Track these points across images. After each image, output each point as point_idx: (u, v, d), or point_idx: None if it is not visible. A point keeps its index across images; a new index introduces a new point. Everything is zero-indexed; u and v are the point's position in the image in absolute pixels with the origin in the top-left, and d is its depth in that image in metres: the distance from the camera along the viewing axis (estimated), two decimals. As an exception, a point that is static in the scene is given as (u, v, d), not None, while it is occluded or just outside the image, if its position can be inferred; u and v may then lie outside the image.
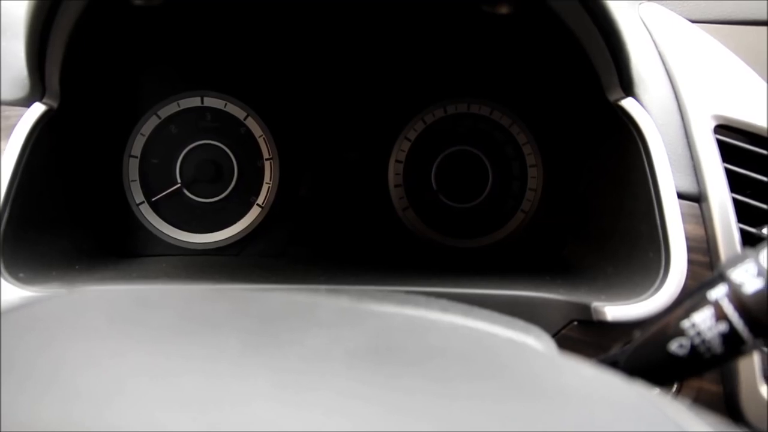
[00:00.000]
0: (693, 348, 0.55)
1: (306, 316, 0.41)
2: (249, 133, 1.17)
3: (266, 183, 1.17)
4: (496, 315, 0.67)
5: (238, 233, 1.16)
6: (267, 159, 1.17)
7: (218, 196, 1.17)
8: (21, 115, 0.88)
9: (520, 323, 0.66)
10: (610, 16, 0.77)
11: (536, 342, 0.59)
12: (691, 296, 0.56)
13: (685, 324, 0.55)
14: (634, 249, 0.90)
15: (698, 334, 0.54)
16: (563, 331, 0.85)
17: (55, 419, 0.27)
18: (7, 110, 0.91)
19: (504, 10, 0.84)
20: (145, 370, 0.31)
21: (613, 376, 0.40)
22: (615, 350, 0.85)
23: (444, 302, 0.68)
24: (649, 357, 0.60)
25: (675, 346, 0.56)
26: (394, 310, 0.52)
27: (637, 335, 0.61)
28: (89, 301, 0.40)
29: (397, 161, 1.19)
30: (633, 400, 0.38)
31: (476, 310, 0.67)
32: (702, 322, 0.54)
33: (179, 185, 1.16)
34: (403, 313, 0.51)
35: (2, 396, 0.28)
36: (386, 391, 0.32)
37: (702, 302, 0.54)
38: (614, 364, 0.63)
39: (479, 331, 0.54)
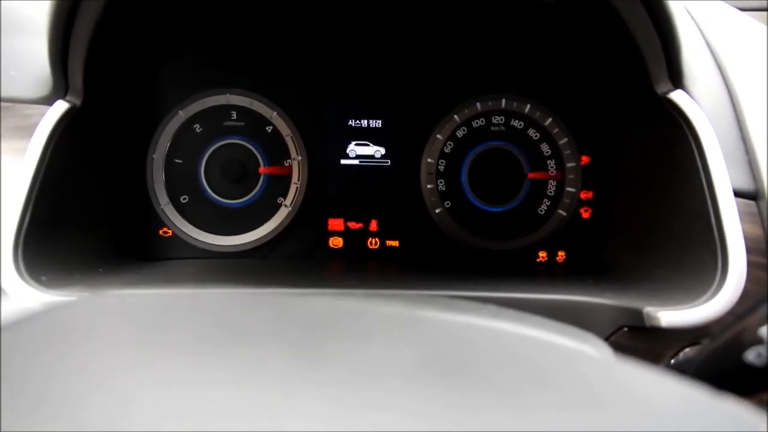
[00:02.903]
0: (773, 357, 0.50)
1: (353, 324, 0.37)
2: (276, 132, 1.13)
3: (294, 183, 1.13)
4: (547, 321, 0.63)
5: (265, 235, 1.12)
6: (295, 158, 1.13)
7: (245, 197, 1.13)
8: (43, 114, 0.85)
9: (575, 330, 0.62)
10: (665, 4, 0.72)
11: (597, 351, 0.54)
12: (769, 301, 0.51)
13: (764, 331, 0.51)
14: (685, 250, 0.85)
15: (779, 342, 0.49)
16: (612, 338, 0.81)
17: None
18: (29, 108, 0.89)
19: (549, -3, 0.80)
20: (177, 384, 0.28)
21: (699, 391, 0.36)
22: (677, 359, 0.81)
23: (493, 308, 0.64)
24: (722, 366, 0.55)
25: (752, 356, 0.51)
26: (443, 317, 0.48)
27: (707, 342, 0.57)
28: (116, 307, 0.37)
29: (429, 160, 1.14)
30: (726, 418, 0.33)
31: (526, 316, 0.63)
32: (784, 329, 0.49)
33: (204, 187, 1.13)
34: (454, 320, 0.47)
35: (12, 409, 0.25)
36: (454, 408, 0.28)
37: (783, 307, 0.49)
38: (682, 372, 0.59)
39: (538, 339, 0.50)
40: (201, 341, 0.33)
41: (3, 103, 0.89)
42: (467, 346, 0.37)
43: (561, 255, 1.15)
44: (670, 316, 0.75)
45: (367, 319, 0.37)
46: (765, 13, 1.04)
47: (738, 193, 0.81)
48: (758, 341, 0.51)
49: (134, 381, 0.28)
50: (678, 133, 0.85)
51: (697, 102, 0.84)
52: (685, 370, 0.58)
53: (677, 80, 0.85)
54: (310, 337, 0.34)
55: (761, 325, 0.51)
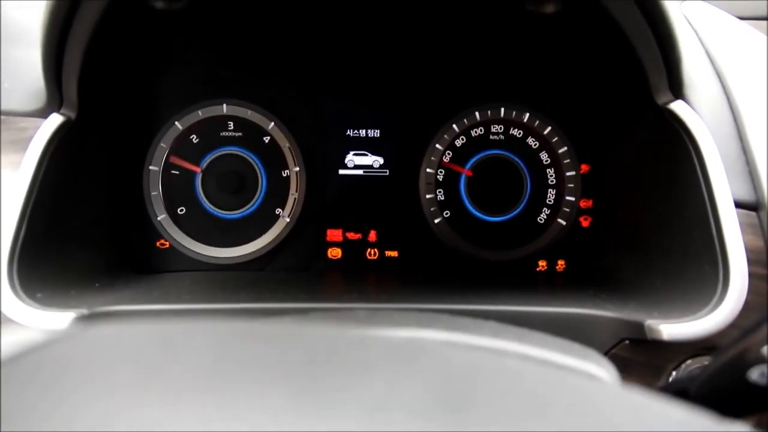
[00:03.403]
0: (778, 377, 0.49)
1: (355, 356, 0.36)
2: (274, 143, 1.12)
3: (292, 195, 1.12)
4: (550, 338, 0.62)
5: (263, 247, 1.12)
6: (293, 169, 1.12)
7: (242, 208, 1.13)
8: (38, 127, 0.85)
9: (578, 348, 0.61)
10: (665, 15, 0.72)
11: (602, 372, 0.54)
12: (773, 318, 0.51)
13: (766, 350, 0.50)
14: (686, 261, 0.84)
15: (785, 361, 0.49)
16: (613, 350, 0.80)
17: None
18: (24, 122, 0.88)
19: (550, 8, 0.79)
20: (176, 422, 0.27)
21: (704, 416, 0.35)
22: (679, 374, 0.81)
23: (493, 325, 0.63)
24: (725, 386, 0.54)
25: (756, 375, 0.51)
26: (447, 345, 0.47)
27: (710, 361, 0.56)
28: (105, 344, 0.35)
29: (428, 170, 1.14)
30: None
31: (527, 334, 0.62)
32: (790, 347, 0.49)
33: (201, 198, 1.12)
34: (458, 347, 0.46)
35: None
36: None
37: (788, 325, 0.49)
38: (683, 392, 0.58)
39: (543, 366, 0.50)
40: (198, 377, 0.32)
41: (-2, 116, 0.88)
42: (472, 375, 0.37)
43: (561, 264, 1.15)
44: (671, 329, 0.75)
45: (368, 351, 0.36)
46: (765, 22, 1.03)
47: (739, 204, 0.81)
48: (761, 360, 0.50)
49: (129, 422, 0.28)
50: (678, 143, 0.85)
51: (698, 112, 0.84)
52: (687, 388, 0.57)
53: (677, 90, 0.84)
54: (310, 371, 0.33)
55: (764, 344, 0.50)
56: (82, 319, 0.76)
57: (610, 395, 0.38)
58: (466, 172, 1.14)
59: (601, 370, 0.56)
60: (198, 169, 1.11)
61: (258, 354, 0.34)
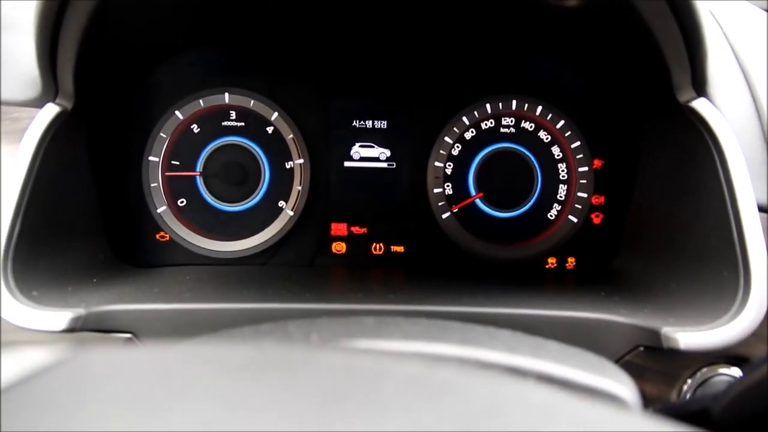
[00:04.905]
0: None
1: (371, 393, 0.33)
2: (277, 134, 1.09)
3: (296, 187, 1.09)
4: (567, 351, 0.60)
5: (265, 241, 1.09)
6: (297, 161, 1.09)
7: (245, 200, 1.10)
8: (33, 117, 0.81)
9: (597, 362, 0.59)
10: (694, 10, 0.68)
11: (624, 390, 0.51)
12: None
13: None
14: (703, 265, 0.81)
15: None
16: (627, 357, 0.77)
17: None
18: (18, 112, 0.84)
19: (572, 2, 0.75)
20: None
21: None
22: (694, 382, 0.78)
23: (508, 337, 0.61)
24: (751, 408, 0.52)
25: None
26: (460, 353, 0.44)
27: (735, 382, 0.54)
28: (99, 376, 0.33)
29: (436, 163, 1.10)
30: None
31: (543, 347, 0.60)
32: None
33: (198, 173, 1.09)
34: (472, 360, 0.44)
35: None
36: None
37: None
38: (705, 412, 0.55)
39: (564, 381, 0.47)
40: (205, 416, 0.29)
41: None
42: (495, 417, 0.34)
43: (571, 262, 1.12)
44: (688, 338, 0.72)
45: (385, 386, 0.33)
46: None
47: (762, 209, 0.78)
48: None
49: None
50: (700, 141, 0.81)
51: (721, 111, 0.80)
52: (710, 407, 0.55)
53: (701, 88, 0.81)
54: (322, 409, 0.30)
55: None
56: (79, 320, 0.73)
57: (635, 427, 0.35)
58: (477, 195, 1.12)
59: (623, 388, 0.54)
60: (196, 173, 1.09)
61: (263, 389, 0.31)
